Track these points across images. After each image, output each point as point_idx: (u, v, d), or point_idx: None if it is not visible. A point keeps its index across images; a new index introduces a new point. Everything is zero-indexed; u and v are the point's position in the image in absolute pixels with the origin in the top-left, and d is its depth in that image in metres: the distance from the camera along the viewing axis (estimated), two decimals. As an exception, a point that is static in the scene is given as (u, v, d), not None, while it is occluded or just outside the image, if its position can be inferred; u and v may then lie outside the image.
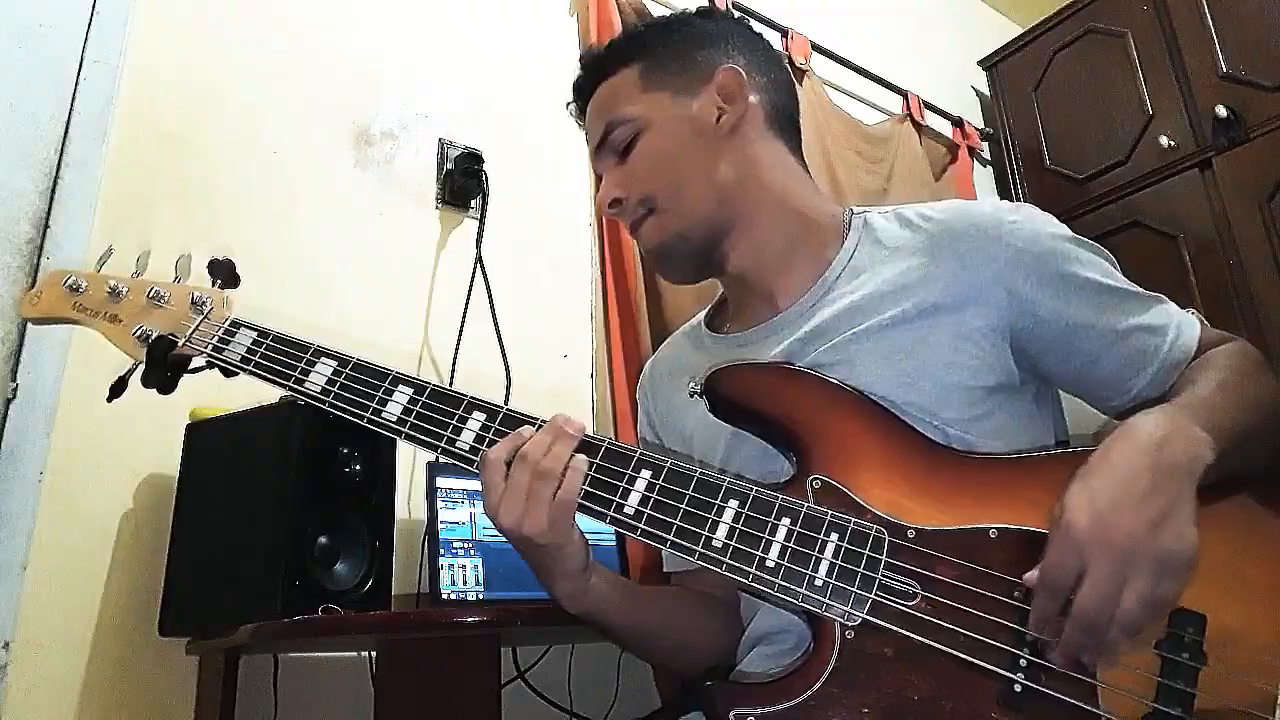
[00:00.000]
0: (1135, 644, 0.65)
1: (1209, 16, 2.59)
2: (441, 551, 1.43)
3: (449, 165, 1.93)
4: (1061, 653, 0.67)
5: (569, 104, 1.07)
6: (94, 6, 1.57)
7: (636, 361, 1.97)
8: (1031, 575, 0.68)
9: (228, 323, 0.95)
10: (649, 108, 0.96)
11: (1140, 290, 0.87)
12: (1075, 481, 0.68)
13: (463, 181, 1.91)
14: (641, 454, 0.82)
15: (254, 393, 1.30)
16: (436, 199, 1.93)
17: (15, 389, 1.36)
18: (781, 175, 0.97)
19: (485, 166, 1.92)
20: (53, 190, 1.47)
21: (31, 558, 1.31)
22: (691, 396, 0.85)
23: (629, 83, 0.98)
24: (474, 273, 1.87)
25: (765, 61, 1.01)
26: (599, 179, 1.02)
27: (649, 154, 0.96)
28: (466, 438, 0.85)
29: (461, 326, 1.83)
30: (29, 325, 1.39)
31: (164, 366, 0.94)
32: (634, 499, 0.80)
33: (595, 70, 1.02)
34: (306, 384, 0.90)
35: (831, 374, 0.83)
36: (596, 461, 0.81)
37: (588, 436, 0.82)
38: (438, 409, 0.87)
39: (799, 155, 1.01)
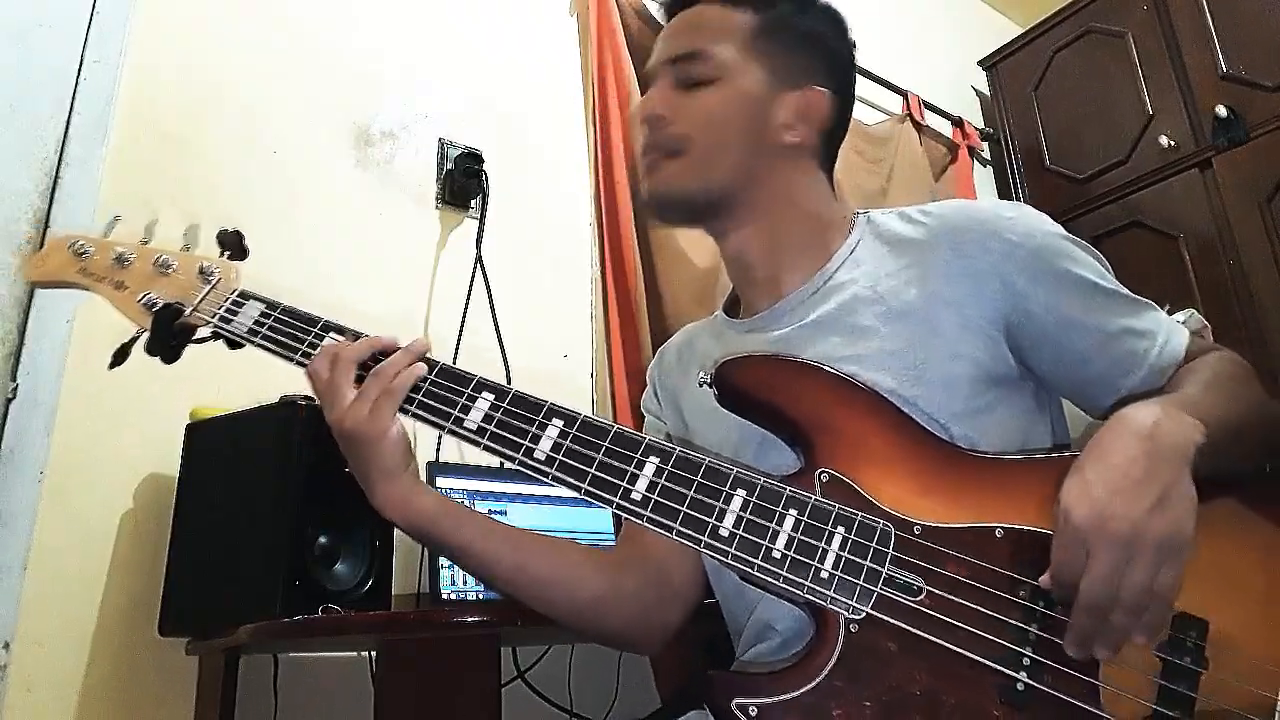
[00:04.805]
0: (1140, 640, 0.66)
1: (1209, 16, 2.59)
2: (442, 551, 1.42)
3: (449, 165, 1.93)
4: (1070, 641, 0.67)
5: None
6: (94, 6, 1.57)
7: (637, 361, 1.97)
8: (1046, 578, 0.68)
9: (235, 293, 0.93)
10: (739, 70, 0.95)
11: (1131, 295, 0.89)
12: (1071, 475, 0.69)
13: (463, 181, 1.92)
14: (650, 440, 0.81)
15: (254, 393, 1.32)
16: (436, 199, 1.93)
17: (15, 389, 1.36)
18: (807, 191, 0.99)
19: (485, 166, 1.92)
20: (53, 190, 1.47)
21: (31, 558, 1.31)
22: (700, 386, 0.84)
23: (738, 29, 0.96)
24: (474, 273, 1.88)
25: (846, 97, 1.02)
26: (643, 89, 1.01)
27: (711, 108, 0.95)
28: (475, 416, 0.84)
29: (461, 326, 1.83)
30: (29, 324, 1.40)
31: (168, 335, 0.92)
32: (642, 484, 0.79)
33: None
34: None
35: (839, 367, 0.83)
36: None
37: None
38: (449, 388, 0.86)
39: (830, 174, 1.02)
